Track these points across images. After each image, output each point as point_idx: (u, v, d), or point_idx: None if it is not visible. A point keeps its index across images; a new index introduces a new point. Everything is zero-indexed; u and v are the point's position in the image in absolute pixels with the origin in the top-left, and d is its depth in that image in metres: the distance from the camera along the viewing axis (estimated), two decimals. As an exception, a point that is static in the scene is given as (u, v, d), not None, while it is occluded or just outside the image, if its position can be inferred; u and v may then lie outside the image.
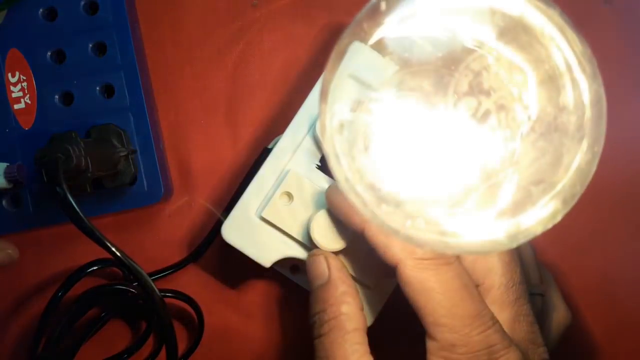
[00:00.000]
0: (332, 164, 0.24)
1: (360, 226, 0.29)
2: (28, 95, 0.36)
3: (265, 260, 0.34)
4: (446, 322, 0.26)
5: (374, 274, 0.33)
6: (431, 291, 0.26)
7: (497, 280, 0.29)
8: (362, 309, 0.29)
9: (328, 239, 0.31)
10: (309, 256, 0.31)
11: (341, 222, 0.31)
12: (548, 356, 0.29)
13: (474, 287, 0.27)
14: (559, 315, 0.34)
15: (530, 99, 0.24)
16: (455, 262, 0.27)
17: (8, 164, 0.34)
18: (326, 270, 0.30)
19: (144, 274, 0.34)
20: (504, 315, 0.28)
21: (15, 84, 0.36)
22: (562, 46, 0.23)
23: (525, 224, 0.24)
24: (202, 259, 0.39)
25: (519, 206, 0.24)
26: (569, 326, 0.35)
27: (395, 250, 0.27)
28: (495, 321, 0.26)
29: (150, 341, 0.38)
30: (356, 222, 0.29)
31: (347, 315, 0.28)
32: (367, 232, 0.29)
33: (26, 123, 0.36)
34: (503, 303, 0.28)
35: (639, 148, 0.39)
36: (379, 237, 0.28)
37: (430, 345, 0.27)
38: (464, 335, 0.26)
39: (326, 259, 0.30)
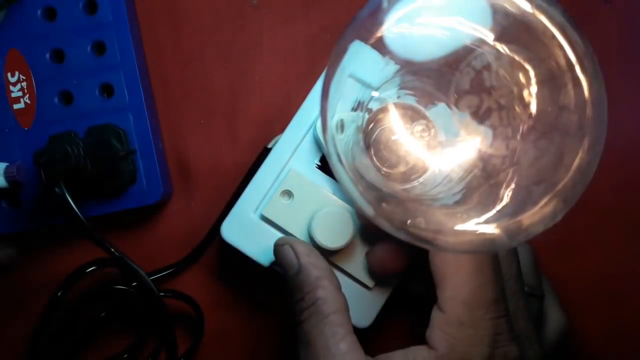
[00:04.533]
0: (333, 163, 0.24)
1: None
2: (27, 95, 0.36)
3: (265, 260, 0.34)
4: (465, 299, 0.26)
5: (374, 274, 0.33)
6: (462, 266, 0.27)
7: None
8: (339, 289, 0.29)
9: (329, 237, 0.31)
10: (275, 247, 0.31)
11: (341, 221, 0.31)
12: (542, 354, 0.29)
13: (500, 274, 0.27)
14: (556, 321, 0.34)
15: (531, 97, 0.24)
16: None
17: (8, 164, 0.34)
18: (295, 258, 0.30)
19: (143, 274, 0.34)
20: None
21: (14, 84, 0.36)
22: (563, 45, 0.23)
23: (526, 223, 0.24)
24: (202, 258, 0.39)
25: (520, 205, 0.24)
26: (566, 332, 0.35)
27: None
28: (507, 313, 0.27)
29: (150, 341, 0.38)
30: None
31: (324, 299, 0.28)
32: None
33: (26, 123, 0.36)
34: None
35: (639, 148, 0.39)
36: None
37: (437, 317, 0.27)
38: (476, 316, 0.26)
39: (292, 247, 0.30)
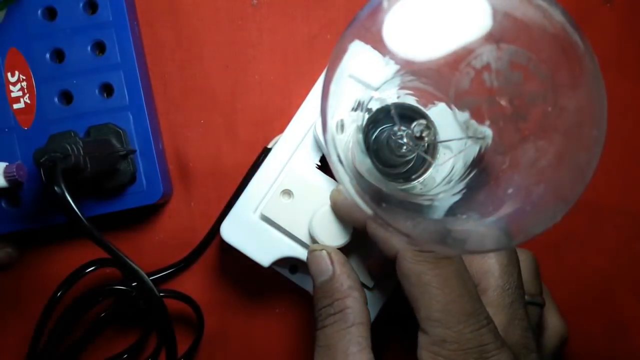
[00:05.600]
0: (333, 163, 0.24)
1: (362, 222, 0.29)
2: (27, 95, 0.36)
3: (264, 260, 0.34)
4: (439, 317, 0.26)
5: (374, 275, 0.33)
6: (427, 285, 0.26)
7: (493, 282, 0.29)
8: (366, 304, 0.29)
9: (329, 236, 0.31)
10: (310, 251, 0.31)
11: (343, 220, 0.31)
12: None
13: (472, 284, 0.27)
14: (555, 328, 0.34)
15: (531, 98, 0.24)
16: (456, 257, 0.27)
17: (7, 164, 0.34)
18: (330, 265, 0.30)
19: (143, 274, 0.34)
20: (498, 318, 0.28)
21: (14, 84, 0.36)
22: (563, 45, 0.23)
23: (526, 224, 0.24)
24: (202, 258, 0.39)
25: (520, 206, 0.24)
26: (565, 339, 0.35)
27: (395, 242, 0.27)
28: (489, 321, 0.26)
29: (150, 342, 0.38)
30: (359, 218, 0.29)
31: (352, 308, 0.29)
32: (368, 226, 0.29)
33: (25, 122, 0.36)
34: (498, 305, 0.28)
35: (639, 148, 0.39)
36: (379, 229, 0.28)
37: (422, 339, 0.27)
38: (456, 332, 0.26)
39: (329, 254, 0.30)
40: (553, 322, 0.34)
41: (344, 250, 0.32)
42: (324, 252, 0.31)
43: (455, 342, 0.26)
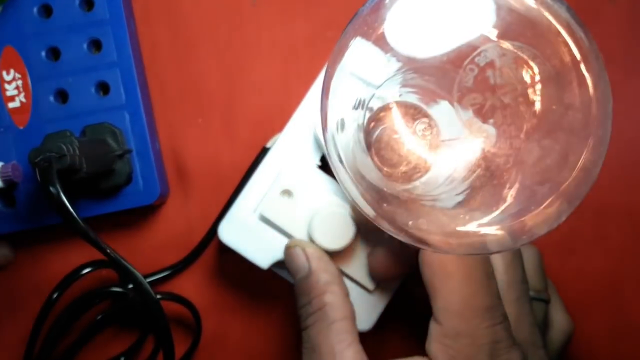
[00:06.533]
0: (334, 162, 0.23)
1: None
2: (23, 94, 0.36)
3: (263, 262, 0.33)
4: (458, 309, 0.25)
5: (375, 277, 0.33)
6: (450, 275, 0.26)
7: (498, 277, 0.28)
8: (347, 296, 0.29)
9: (329, 238, 0.31)
10: (285, 249, 0.31)
11: (342, 222, 0.31)
12: (548, 359, 0.29)
13: (493, 278, 0.27)
14: (561, 325, 0.34)
15: (535, 95, 0.23)
16: None
17: (2, 164, 0.34)
18: (305, 261, 0.30)
19: (139, 276, 0.34)
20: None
21: (9, 82, 0.36)
22: (568, 42, 0.23)
23: (530, 224, 0.23)
24: (199, 260, 0.38)
25: (524, 206, 0.24)
26: (571, 336, 0.34)
27: None
28: (505, 318, 0.26)
29: (147, 344, 0.37)
30: None
31: (331, 305, 0.28)
32: None
33: (21, 122, 0.36)
34: (505, 301, 0.28)
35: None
36: None
37: (434, 329, 0.26)
38: (472, 325, 0.25)
39: (304, 249, 0.30)
40: (559, 319, 0.34)
41: (345, 252, 0.32)
42: (298, 248, 0.30)
43: (469, 337, 0.25)
